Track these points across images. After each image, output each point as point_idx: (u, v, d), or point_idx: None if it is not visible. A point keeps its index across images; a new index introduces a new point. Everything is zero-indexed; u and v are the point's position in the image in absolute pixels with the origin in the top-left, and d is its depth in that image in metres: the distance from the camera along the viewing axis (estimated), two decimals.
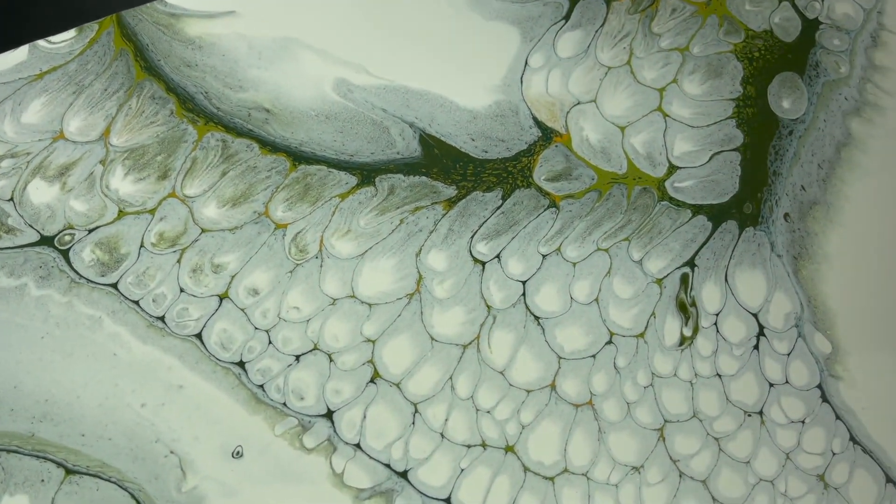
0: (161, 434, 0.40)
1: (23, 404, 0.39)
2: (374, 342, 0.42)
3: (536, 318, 0.44)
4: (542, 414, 0.42)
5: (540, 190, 0.46)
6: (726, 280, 0.45)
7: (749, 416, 0.43)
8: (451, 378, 0.42)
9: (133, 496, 0.39)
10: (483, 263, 0.44)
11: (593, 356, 0.44)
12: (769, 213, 0.46)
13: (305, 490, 0.40)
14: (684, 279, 0.45)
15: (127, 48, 0.45)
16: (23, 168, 0.41)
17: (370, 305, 0.43)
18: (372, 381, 0.42)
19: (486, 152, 0.46)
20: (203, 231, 0.43)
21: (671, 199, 0.46)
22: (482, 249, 0.44)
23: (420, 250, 0.44)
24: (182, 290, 0.42)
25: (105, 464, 0.39)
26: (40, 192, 0.41)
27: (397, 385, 0.42)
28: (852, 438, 0.44)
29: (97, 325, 0.40)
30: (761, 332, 0.45)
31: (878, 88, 0.49)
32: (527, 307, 0.44)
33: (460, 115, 0.46)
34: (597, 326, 0.44)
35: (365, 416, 0.41)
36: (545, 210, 0.45)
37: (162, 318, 0.41)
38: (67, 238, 0.41)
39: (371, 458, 0.41)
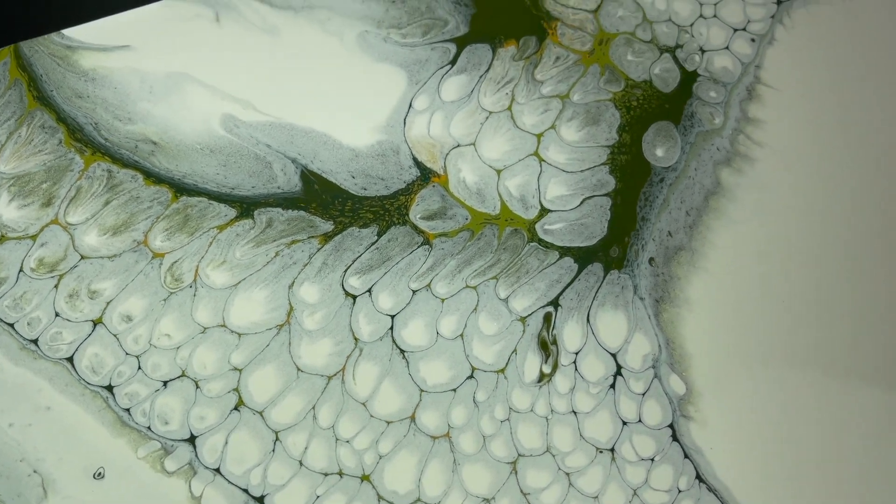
0: (26, 453, 0.41)
1: None
2: (240, 371, 0.44)
3: (402, 351, 0.45)
4: (399, 444, 0.44)
5: (415, 228, 0.47)
6: (588, 320, 0.47)
7: (601, 452, 0.45)
8: (313, 408, 0.44)
9: None
10: (354, 297, 0.45)
11: (454, 390, 0.45)
12: (635, 257, 0.48)
13: None
14: (547, 318, 0.46)
15: (21, 78, 0.46)
16: None
17: (240, 335, 0.44)
18: (236, 408, 0.43)
19: (365, 189, 0.47)
20: (82, 258, 0.44)
21: (540, 241, 0.47)
22: (354, 283, 0.46)
23: (293, 282, 0.45)
24: (57, 315, 0.43)
25: None
26: None
27: (260, 413, 0.43)
28: (699, 477, 0.45)
29: None
30: (619, 372, 0.46)
31: (749, 140, 0.51)
32: (394, 341, 0.45)
33: (343, 153, 0.48)
34: (460, 361, 0.45)
35: (227, 442, 0.42)
36: (418, 247, 0.47)
37: (35, 342, 0.42)
38: None
39: (230, 482, 0.42)
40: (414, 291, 0.46)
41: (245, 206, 0.46)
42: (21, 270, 0.43)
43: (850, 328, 0.48)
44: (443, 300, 0.46)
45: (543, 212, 0.48)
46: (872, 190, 0.51)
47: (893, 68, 0.54)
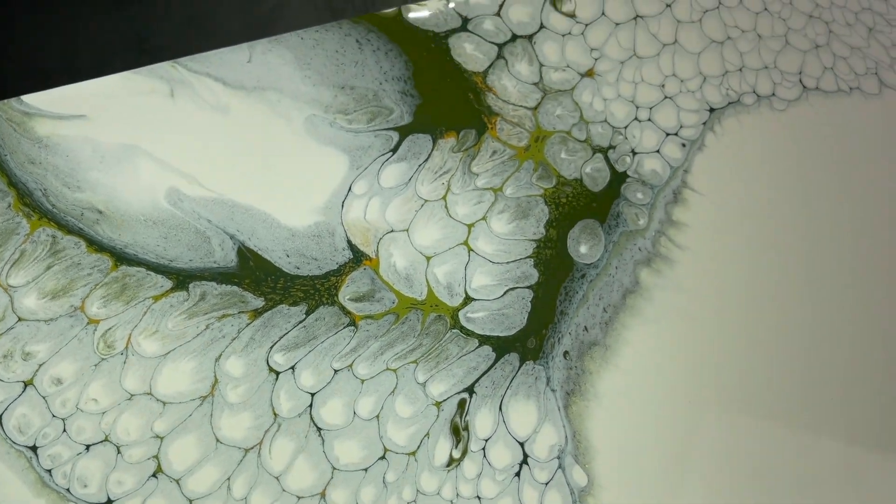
0: None
1: None
2: (162, 439, 0.45)
3: (319, 429, 0.47)
4: None
5: (343, 309, 0.49)
6: (500, 409, 0.48)
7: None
8: (229, 479, 0.45)
9: None
10: (278, 373, 0.47)
11: (365, 469, 0.46)
12: (550, 350, 0.50)
13: None
14: (461, 404, 0.48)
15: None
16: None
17: (164, 403, 0.46)
18: (154, 475, 0.45)
19: (298, 269, 0.49)
20: (20, 320, 0.45)
21: (462, 328, 0.49)
22: (279, 360, 0.47)
23: (220, 356, 0.47)
24: None
25: None
26: None
27: (177, 481, 0.45)
28: None
29: None
30: (525, 461, 0.48)
31: (671, 242, 0.53)
32: (311, 418, 0.47)
33: (280, 232, 0.49)
34: (374, 442, 0.47)
35: None
36: (344, 328, 0.48)
37: None
38: None
39: None
40: (336, 371, 0.48)
41: (181, 279, 0.47)
42: None
43: (757, 435, 0.50)
44: (363, 381, 0.48)
45: (468, 300, 0.50)
46: (788, 298, 0.53)
47: (819, 179, 0.56)
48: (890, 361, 0.54)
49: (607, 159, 0.54)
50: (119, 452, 0.45)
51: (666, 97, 0.56)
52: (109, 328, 0.46)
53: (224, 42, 0.55)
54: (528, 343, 0.50)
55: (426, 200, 0.51)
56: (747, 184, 0.55)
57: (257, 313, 0.48)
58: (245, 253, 0.49)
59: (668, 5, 0.59)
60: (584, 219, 0.53)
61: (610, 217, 0.53)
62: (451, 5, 0.55)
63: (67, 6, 0.58)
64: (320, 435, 0.46)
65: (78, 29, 0.58)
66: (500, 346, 0.49)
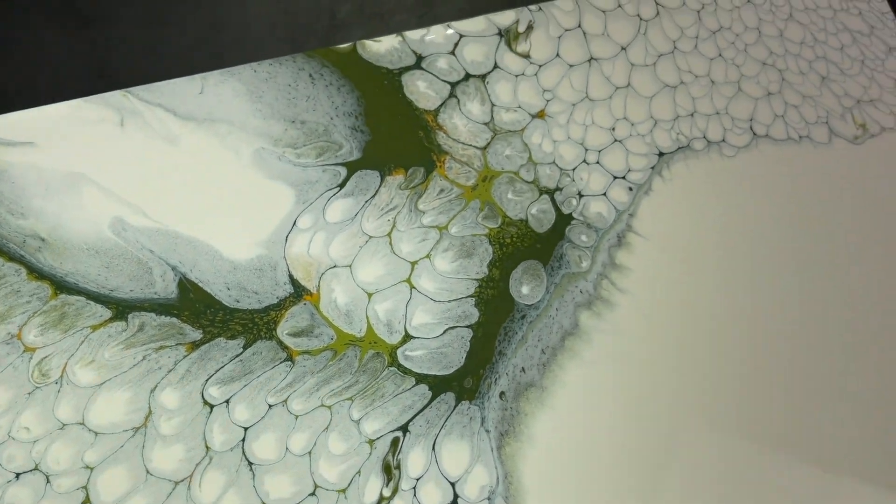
0: None
1: None
2: (92, 469, 0.45)
3: (250, 463, 0.47)
4: None
5: (280, 343, 0.49)
6: (433, 448, 0.48)
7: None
8: None
9: None
10: (212, 406, 0.47)
11: None
12: (487, 390, 0.50)
13: None
14: (395, 442, 0.48)
15: None
16: None
17: (96, 434, 0.46)
18: None
19: (237, 302, 0.49)
20: None
21: (399, 366, 0.49)
22: (214, 393, 0.47)
23: (155, 387, 0.47)
24: None
25: None
26: None
27: None
28: None
29: None
30: (455, 501, 0.48)
31: (612, 285, 0.53)
32: (244, 452, 0.47)
33: (222, 265, 0.49)
34: (304, 477, 0.47)
35: None
36: (281, 363, 0.48)
37: None
38: None
39: None
40: (270, 406, 0.48)
41: (120, 309, 0.48)
42: None
43: (689, 480, 0.51)
44: (297, 417, 0.48)
45: (407, 338, 0.50)
46: (726, 345, 0.53)
47: (765, 227, 0.57)
48: (833, 414, 0.54)
49: (553, 201, 0.54)
50: (48, 482, 0.45)
51: (616, 140, 0.57)
52: (45, 356, 0.46)
53: (185, 71, 0.55)
54: (464, 383, 0.50)
55: (371, 237, 0.52)
56: (692, 229, 0.55)
57: (195, 346, 0.48)
58: (186, 285, 0.49)
59: (624, 48, 0.59)
60: (528, 260, 0.53)
61: (553, 258, 0.53)
62: (430, 36, 0.55)
63: (27, 28, 0.58)
64: (251, 469, 0.47)
65: (37, 51, 0.58)
66: (437, 385, 0.49)
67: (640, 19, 0.60)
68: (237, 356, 0.48)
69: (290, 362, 0.48)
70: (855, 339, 0.55)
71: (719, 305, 0.54)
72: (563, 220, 0.54)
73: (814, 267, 0.56)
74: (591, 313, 0.52)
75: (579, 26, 0.59)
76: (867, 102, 0.61)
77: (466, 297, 0.51)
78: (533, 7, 0.59)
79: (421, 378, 0.49)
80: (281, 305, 0.49)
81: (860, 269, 0.56)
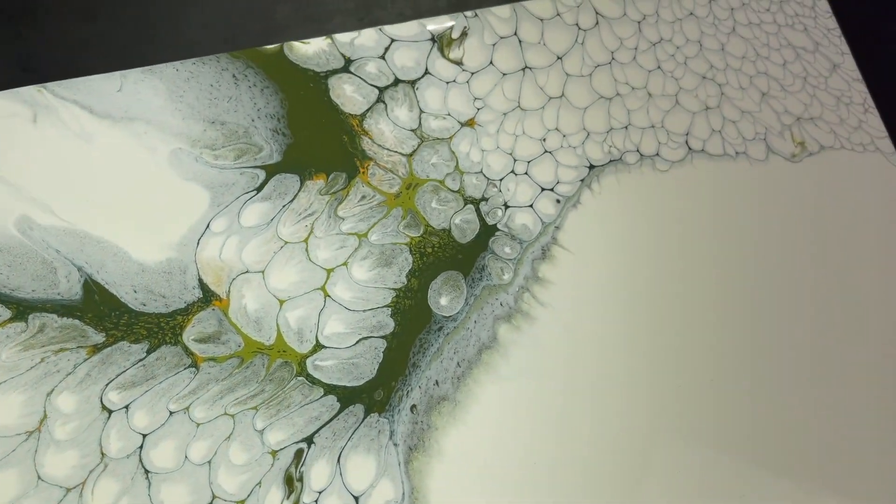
0: None
1: None
2: None
3: (147, 471, 0.45)
4: None
5: (186, 349, 0.47)
6: (338, 461, 0.47)
7: None
8: None
9: None
10: (110, 412, 0.46)
11: None
12: (398, 403, 0.49)
13: None
14: (298, 454, 0.47)
15: None
16: None
17: None
18: None
19: (144, 305, 0.48)
20: None
21: (308, 376, 0.48)
22: (113, 398, 0.46)
23: (52, 390, 0.45)
24: None
25: None
26: None
27: None
28: None
29: None
30: None
31: (534, 299, 0.52)
32: (140, 460, 0.45)
33: (130, 266, 0.48)
34: (202, 487, 0.46)
35: None
36: (185, 369, 0.47)
37: None
38: None
39: None
40: (171, 413, 0.46)
41: (21, 309, 0.46)
42: None
43: (604, 498, 0.49)
44: (198, 425, 0.46)
45: (318, 347, 0.49)
46: (649, 365, 0.52)
47: (695, 244, 0.55)
48: (749, 431, 0.53)
49: (478, 211, 0.53)
50: None
51: (546, 151, 0.55)
52: None
53: (115, 68, 0.54)
54: (375, 395, 0.48)
55: (286, 242, 0.50)
56: (620, 244, 0.54)
57: (97, 349, 0.46)
58: (91, 286, 0.47)
59: (560, 58, 0.58)
60: (448, 270, 0.52)
61: (475, 270, 0.52)
62: (361, 40, 0.54)
63: None
64: (147, 477, 0.45)
65: None
66: (346, 397, 0.48)
67: (579, 28, 0.59)
68: (140, 361, 0.47)
69: (194, 369, 0.47)
70: (790, 356, 0.54)
71: (644, 323, 0.53)
72: (487, 230, 0.53)
73: (745, 284, 0.55)
74: (511, 327, 0.51)
75: (515, 34, 0.58)
76: (807, 120, 0.60)
77: (382, 306, 0.50)
78: (469, 13, 0.58)
79: (330, 389, 0.48)
80: (188, 310, 0.48)
81: (792, 287, 0.55)
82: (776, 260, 0.56)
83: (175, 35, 0.62)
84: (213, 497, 0.46)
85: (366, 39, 0.56)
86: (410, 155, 0.54)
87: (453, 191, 0.53)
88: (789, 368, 0.54)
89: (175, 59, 0.55)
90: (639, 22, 0.60)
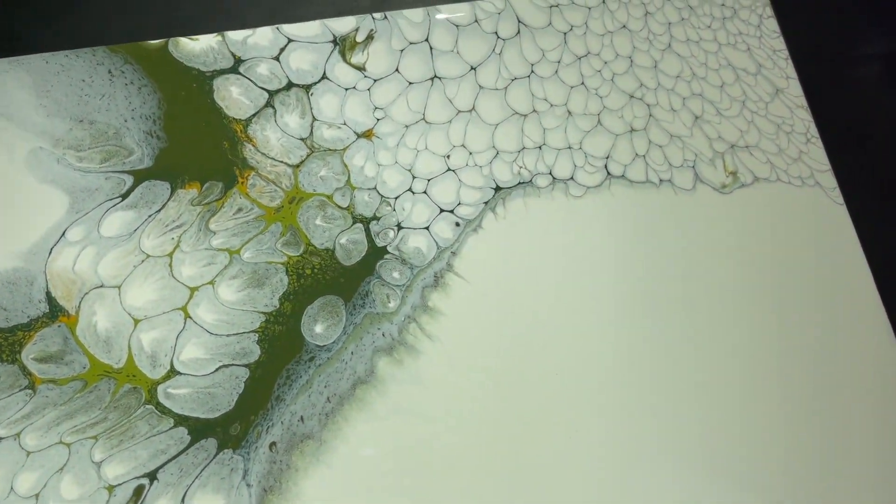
0: None
1: None
2: None
3: None
4: None
5: (23, 368, 0.43)
6: (183, 500, 0.42)
7: None
8: None
9: None
10: None
11: None
12: (255, 439, 0.44)
13: None
14: (138, 491, 0.42)
15: None
16: None
17: None
18: None
19: None
20: None
21: (158, 405, 0.43)
22: None
23: None
24: None
25: None
26: None
27: None
28: None
29: None
30: None
31: (420, 331, 0.47)
32: None
33: None
34: None
35: None
36: (20, 391, 0.42)
37: None
38: None
39: None
40: (0, 438, 0.42)
41: None
42: None
43: None
44: (29, 453, 0.42)
45: (172, 373, 0.44)
46: (543, 410, 0.47)
47: (605, 278, 0.50)
48: (657, 483, 0.48)
49: (368, 231, 0.48)
50: None
51: (449, 169, 0.51)
52: None
53: (5, 54, 0.49)
54: (231, 429, 0.44)
55: (149, 255, 0.46)
56: (522, 275, 0.49)
57: None
58: None
59: (473, 68, 0.53)
60: (328, 295, 0.47)
61: (357, 296, 0.47)
62: (254, 38, 0.49)
63: None
64: None
65: None
66: (198, 430, 0.43)
67: (498, 37, 0.54)
68: None
69: (30, 391, 0.42)
70: (705, 401, 0.49)
71: (541, 364, 0.47)
72: (376, 253, 0.48)
73: (663, 324, 0.50)
74: (391, 360, 0.46)
75: (426, 40, 0.53)
76: (742, 148, 0.55)
77: (249, 331, 0.45)
78: (378, 15, 0.53)
79: (181, 420, 0.43)
80: (31, 326, 0.43)
81: (716, 326, 0.50)
82: (699, 297, 0.51)
83: (77, 22, 0.58)
84: None
85: (260, 38, 0.51)
86: (297, 166, 0.49)
87: (342, 207, 0.48)
88: (705, 414, 0.49)
89: (69, 47, 0.50)
90: (565, 33, 0.55)
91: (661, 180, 0.53)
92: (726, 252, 0.52)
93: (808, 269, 0.52)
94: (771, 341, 0.50)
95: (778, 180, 0.54)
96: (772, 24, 0.59)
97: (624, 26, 0.56)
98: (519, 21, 0.55)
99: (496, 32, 0.54)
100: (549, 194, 0.51)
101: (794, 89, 0.57)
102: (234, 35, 0.51)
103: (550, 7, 0.56)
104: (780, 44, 0.58)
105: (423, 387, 0.46)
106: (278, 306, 0.46)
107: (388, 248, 0.48)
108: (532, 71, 0.54)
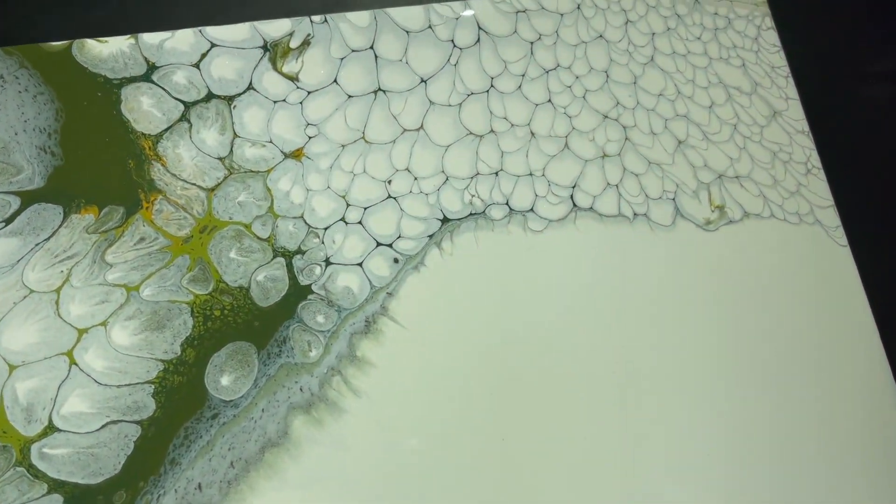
0: None
1: None
2: None
3: None
4: None
5: None
6: None
7: None
8: None
9: None
10: None
11: None
12: None
13: None
14: None
15: None
16: None
17: None
18: None
19: None
20: None
21: (30, 467, 0.37)
22: None
23: None
24: None
25: None
26: None
27: None
28: None
29: None
30: None
31: (345, 384, 0.40)
32: None
33: None
34: None
35: None
36: None
37: None
38: None
39: None
40: None
41: None
42: None
43: None
44: None
45: (50, 429, 0.38)
46: (473, 485, 0.40)
47: (566, 329, 0.43)
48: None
49: (290, 267, 0.42)
50: None
51: (389, 196, 0.44)
52: None
53: None
54: (115, 497, 0.37)
55: (32, 291, 0.39)
56: (469, 321, 0.42)
57: None
58: None
59: (424, 81, 0.46)
60: (239, 341, 0.40)
61: (273, 343, 0.41)
62: (172, 42, 0.43)
63: None
64: None
65: None
66: (76, 497, 0.37)
67: (454, 46, 0.47)
68: None
69: None
70: (683, 471, 0.42)
71: (487, 428, 0.41)
72: (298, 292, 0.41)
73: (632, 377, 0.43)
74: (310, 419, 0.40)
75: (371, 48, 0.46)
76: (731, 179, 0.48)
77: (144, 382, 0.39)
78: (317, 18, 0.46)
79: (57, 485, 0.37)
80: None
81: (695, 385, 0.43)
82: (677, 354, 0.44)
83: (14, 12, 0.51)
84: None
85: (179, 42, 0.44)
86: (212, 189, 0.42)
87: (261, 239, 0.42)
88: (680, 485, 0.42)
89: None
90: (531, 43, 0.48)
91: (635, 214, 0.46)
92: (710, 299, 0.45)
93: (806, 321, 0.45)
94: (762, 408, 0.43)
95: (772, 216, 0.47)
96: (771, 37, 0.52)
97: (600, 36, 0.49)
98: (479, 28, 0.48)
99: (452, 40, 0.48)
100: (505, 228, 0.44)
101: (795, 111, 0.50)
102: (150, 38, 0.44)
103: (517, 13, 0.49)
104: (779, 59, 0.51)
105: (345, 452, 0.40)
106: (179, 353, 0.40)
107: (313, 287, 0.42)
108: (492, 85, 0.47)
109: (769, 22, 0.52)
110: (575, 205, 0.45)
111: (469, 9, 0.48)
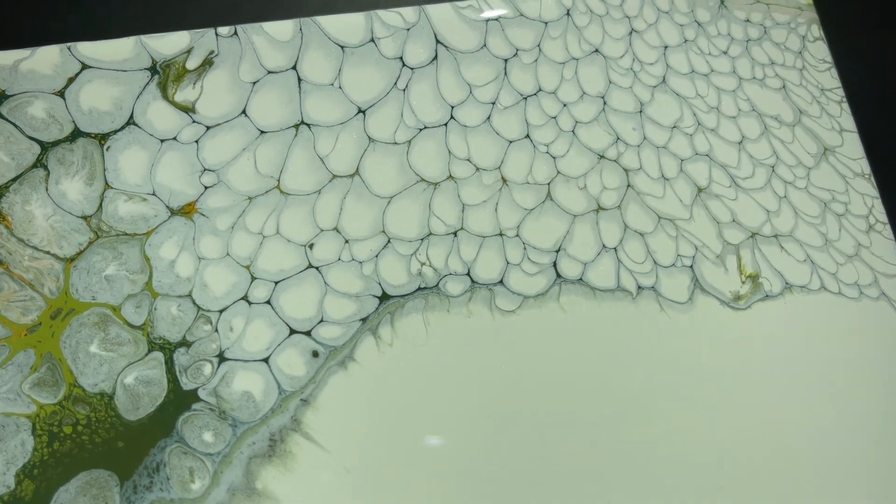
0: None
1: None
2: None
3: None
4: None
5: None
6: None
7: None
8: None
9: None
10: None
11: None
12: None
13: None
14: None
15: None
16: None
17: None
18: None
19: None
20: None
21: None
22: None
23: None
24: None
25: None
26: None
27: None
28: None
29: None
30: None
31: None
32: None
33: None
34: None
35: None
36: None
37: None
38: None
39: None
40: None
41: None
42: None
43: None
44: None
45: None
46: None
47: (541, 449, 0.32)
48: None
49: (171, 365, 0.31)
50: None
51: (310, 266, 0.33)
52: None
53: None
54: None
55: None
56: (412, 440, 0.31)
57: None
58: None
59: (363, 111, 0.35)
60: (94, 469, 0.30)
61: (142, 470, 0.30)
62: (31, 62, 0.32)
63: None
64: None
65: None
66: None
67: (404, 65, 0.36)
68: None
69: None
70: None
71: None
72: (180, 400, 0.31)
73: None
74: None
75: (294, 68, 0.36)
76: (769, 238, 0.36)
77: None
78: (224, 30, 0.36)
79: None
80: None
81: None
82: (696, 472, 0.32)
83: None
84: None
85: (40, 62, 0.34)
86: (72, 259, 0.32)
87: (134, 326, 0.31)
88: None
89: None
90: (505, 60, 0.37)
91: (640, 288, 0.34)
92: (740, 402, 0.33)
93: (874, 429, 0.34)
94: None
95: (822, 289, 0.35)
96: (820, 50, 0.40)
97: (596, 51, 0.38)
98: (437, 41, 0.37)
99: (401, 58, 0.36)
100: (465, 307, 0.33)
101: (852, 148, 0.38)
102: (1, 57, 0.34)
103: (486, 21, 0.38)
104: (831, 79, 0.39)
105: None
106: (13, 486, 0.29)
107: (201, 393, 0.31)
108: (451, 116, 0.36)
109: (817, 31, 0.40)
110: (559, 275, 0.34)
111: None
